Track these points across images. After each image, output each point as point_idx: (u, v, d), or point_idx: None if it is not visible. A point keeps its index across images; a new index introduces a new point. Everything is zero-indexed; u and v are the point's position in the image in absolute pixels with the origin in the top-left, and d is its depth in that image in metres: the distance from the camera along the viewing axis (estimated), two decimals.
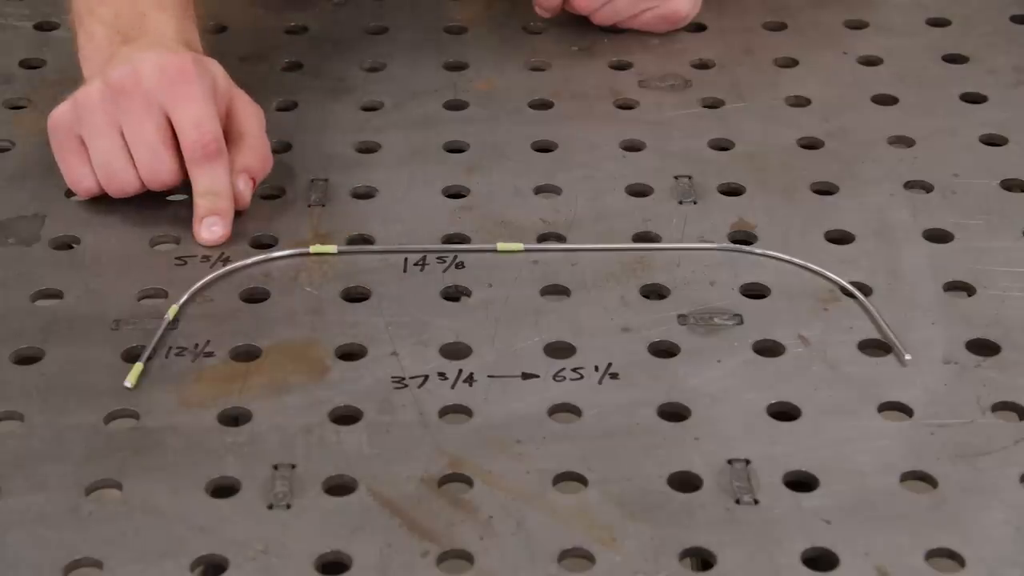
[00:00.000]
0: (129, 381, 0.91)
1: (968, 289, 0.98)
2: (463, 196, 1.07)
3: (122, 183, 1.02)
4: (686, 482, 0.85)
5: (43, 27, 1.27)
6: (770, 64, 1.22)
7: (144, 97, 1.00)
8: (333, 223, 1.04)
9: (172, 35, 1.05)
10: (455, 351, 0.93)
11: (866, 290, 0.98)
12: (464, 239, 1.03)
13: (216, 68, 1.04)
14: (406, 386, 0.91)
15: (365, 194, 1.07)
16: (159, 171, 1.01)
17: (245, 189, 1.03)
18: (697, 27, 1.25)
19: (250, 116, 1.05)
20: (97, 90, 1.01)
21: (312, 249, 1.01)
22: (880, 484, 0.84)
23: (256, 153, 1.04)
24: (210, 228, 1.01)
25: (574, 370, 0.92)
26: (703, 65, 1.21)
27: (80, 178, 1.03)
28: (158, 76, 1.00)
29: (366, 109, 1.17)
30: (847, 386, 0.91)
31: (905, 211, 1.05)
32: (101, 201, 1.04)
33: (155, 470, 0.85)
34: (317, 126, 1.14)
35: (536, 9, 1.24)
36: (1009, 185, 1.08)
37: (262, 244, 1.03)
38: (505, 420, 0.88)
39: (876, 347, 0.94)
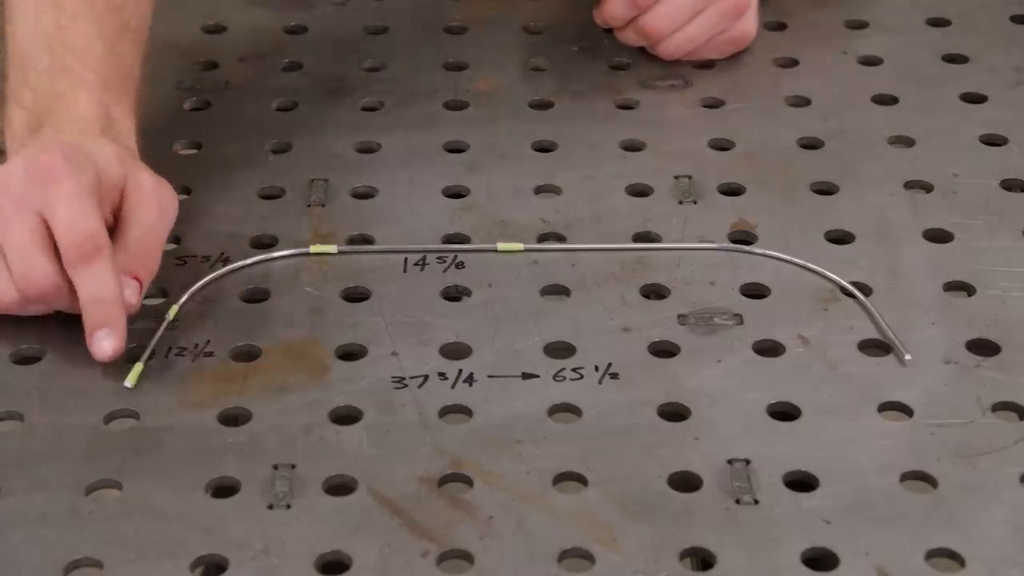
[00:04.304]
0: (129, 381, 0.91)
1: (968, 289, 0.98)
2: (463, 196, 1.07)
3: None
4: (686, 482, 0.85)
5: None
6: (770, 64, 1.22)
7: (15, 203, 0.92)
8: (333, 223, 1.04)
9: (91, 118, 0.98)
10: (455, 351, 0.93)
11: (866, 290, 0.98)
12: (464, 239, 1.03)
13: (105, 157, 0.95)
14: (406, 386, 0.91)
15: (365, 194, 1.07)
16: (30, 276, 0.91)
17: (130, 294, 0.92)
18: None
19: (140, 204, 0.95)
20: None
21: (312, 249, 1.01)
22: (880, 484, 0.84)
23: (135, 253, 0.94)
24: (100, 343, 0.91)
25: (574, 370, 0.92)
26: (703, 65, 1.21)
27: None
28: (25, 179, 0.92)
29: (366, 109, 1.17)
30: (847, 386, 0.91)
31: (905, 211, 1.05)
32: None
33: (155, 470, 0.85)
34: (317, 126, 1.14)
35: (596, 18, 1.19)
36: (1009, 185, 1.08)
37: (262, 244, 1.02)
38: (505, 420, 0.88)
39: (876, 347, 0.94)
